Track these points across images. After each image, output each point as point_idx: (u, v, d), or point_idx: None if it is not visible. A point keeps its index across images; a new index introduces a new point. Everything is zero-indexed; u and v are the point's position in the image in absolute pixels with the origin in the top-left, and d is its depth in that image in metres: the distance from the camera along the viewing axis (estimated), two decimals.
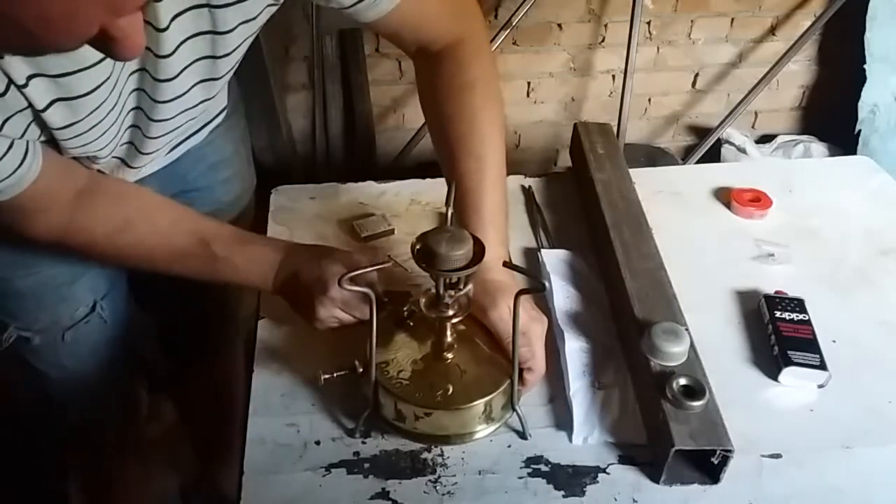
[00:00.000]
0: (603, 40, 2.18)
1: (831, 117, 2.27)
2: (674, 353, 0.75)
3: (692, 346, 0.76)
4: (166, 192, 0.97)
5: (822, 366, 0.80)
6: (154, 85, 0.71)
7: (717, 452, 0.69)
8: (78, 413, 1.11)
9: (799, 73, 2.33)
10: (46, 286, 0.92)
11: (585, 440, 0.76)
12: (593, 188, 1.01)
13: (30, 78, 0.60)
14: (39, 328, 0.96)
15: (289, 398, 0.81)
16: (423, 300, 0.75)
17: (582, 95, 2.30)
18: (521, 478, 0.73)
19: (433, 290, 0.75)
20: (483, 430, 0.76)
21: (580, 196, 1.10)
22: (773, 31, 2.22)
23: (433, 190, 1.10)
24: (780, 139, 2.32)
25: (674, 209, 1.08)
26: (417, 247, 0.71)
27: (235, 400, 1.36)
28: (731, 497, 0.71)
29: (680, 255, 0.93)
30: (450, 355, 0.78)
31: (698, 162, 2.17)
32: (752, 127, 2.43)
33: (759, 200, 1.06)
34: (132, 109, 0.74)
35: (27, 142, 0.66)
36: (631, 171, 1.06)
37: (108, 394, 1.09)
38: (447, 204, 0.90)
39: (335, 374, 0.76)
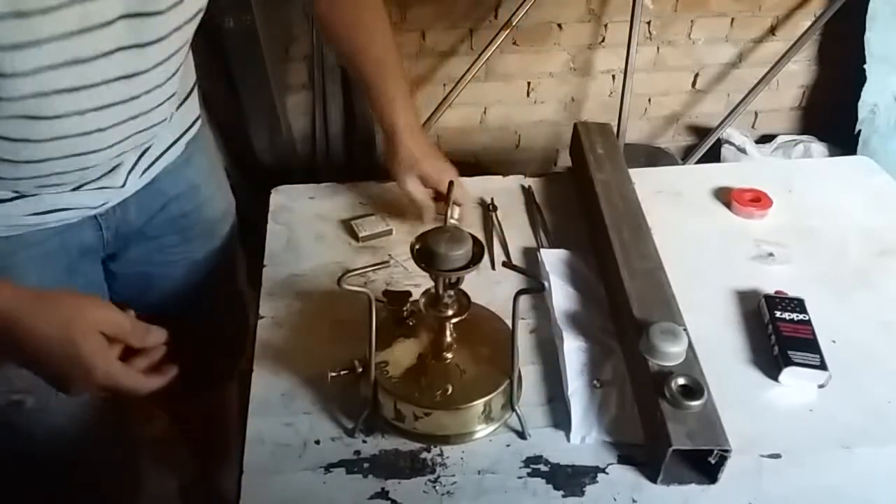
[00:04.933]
0: (603, 40, 2.18)
1: (831, 117, 2.27)
2: (672, 352, 0.75)
3: (690, 345, 0.76)
4: (150, 213, 0.96)
5: (822, 366, 0.80)
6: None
7: (715, 452, 0.69)
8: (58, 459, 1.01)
9: (799, 73, 2.33)
10: None
11: (583, 440, 0.76)
12: (593, 188, 1.01)
13: None
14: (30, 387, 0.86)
15: (288, 398, 0.81)
16: (422, 300, 0.76)
17: (582, 95, 2.30)
18: (520, 478, 0.73)
19: (433, 290, 0.75)
20: (482, 430, 0.76)
21: (580, 196, 1.10)
22: (773, 31, 2.22)
23: None
24: (780, 139, 2.32)
25: (674, 209, 1.08)
26: (417, 247, 0.71)
27: (228, 429, 1.33)
28: (730, 497, 0.71)
29: (680, 255, 0.92)
30: (449, 355, 0.78)
31: (698, 162, 2.17)
32: (752, 127, 2.43)
33: (759, 200, 1.06)
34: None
35: None
36: (631, 171, 1.06)
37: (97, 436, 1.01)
38: (447, 203, 0.90)
39: (341, 372, 0.76)
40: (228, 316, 1.17)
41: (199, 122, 0.99)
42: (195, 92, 0.96)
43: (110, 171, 0.84)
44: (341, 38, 0.99)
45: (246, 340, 1.13)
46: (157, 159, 0.91)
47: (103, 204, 0.87)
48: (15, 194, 0.79)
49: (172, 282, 1.06)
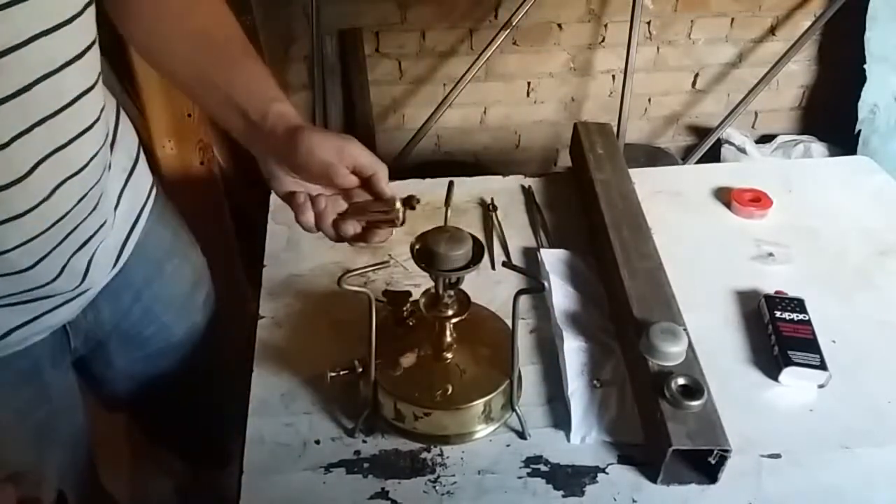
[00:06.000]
0: (603, 40, 2.18)
1: (831, 117, 2.27)
2: (672, 352, 0.75)
3: (690, 345, 0.76)
4: (121, 307, 0.87)
5: (822, 366, 0.80)
6: None
7: (715, 452, 0.69)
8: None
9: (799, 73, 2.33)
10: None
11: (583, 440, 0.76)
12: (593, 188, 1.01)
13: None
14: None
15: (288, 398, 0.81)
16: (422, 300, 0.76)
17: (582, 95, 2.30)
18: (520, 478, 0.73)
19: (433, 290, 0.75)
20: (482, 430, 0.76)
21: (580, 196, 1.10)
22: (773, 31, 2.22)
23: (433, 190, 1.10)
24: (780, 139, 2.32)
25: (674, 209, 1.08)
26: (417, 247, 0.71)
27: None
28: (730, 497, 0.71)
29: (680, 255, 0.92)
30: (449, 355, 0.78)
31: (698, 162, 2.17)
32: (752, 127, 2.43)
33: (759, 200, 1.06)
34: None
35: None
36: (631, 171, 1.06)
37: None
38: (447, 203, 0.90)
39: (341, 372, 0.76)
40: (219, 389, 1.05)
41: (154, 191, 0.89)
42: (142, 160, 0.86)
43: (62, 274, 0.71)
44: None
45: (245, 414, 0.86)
46: (124, 243, 0.82)
47: (65, 303, 0.76)
48: None
49: (155, 372, 0.99)
